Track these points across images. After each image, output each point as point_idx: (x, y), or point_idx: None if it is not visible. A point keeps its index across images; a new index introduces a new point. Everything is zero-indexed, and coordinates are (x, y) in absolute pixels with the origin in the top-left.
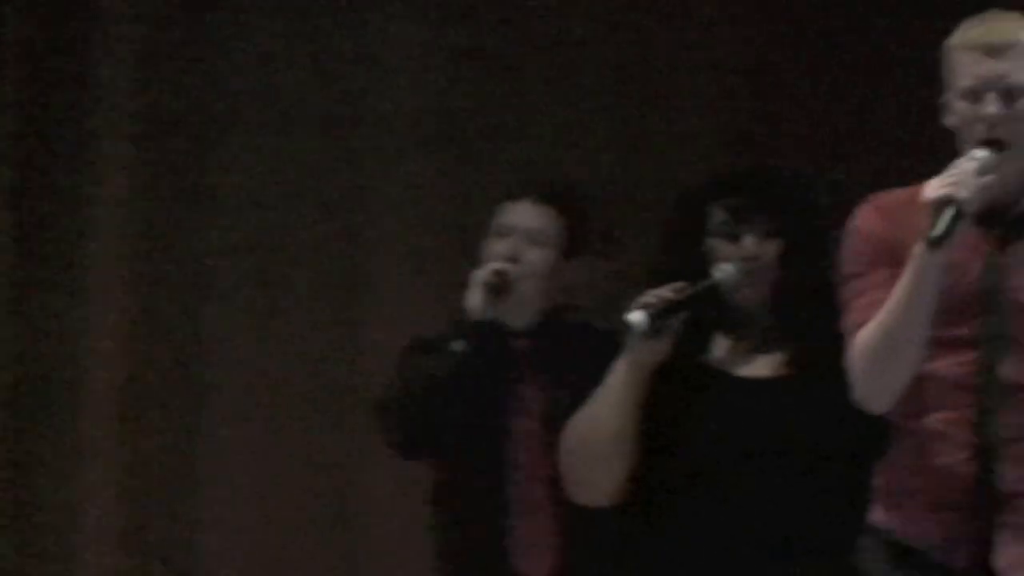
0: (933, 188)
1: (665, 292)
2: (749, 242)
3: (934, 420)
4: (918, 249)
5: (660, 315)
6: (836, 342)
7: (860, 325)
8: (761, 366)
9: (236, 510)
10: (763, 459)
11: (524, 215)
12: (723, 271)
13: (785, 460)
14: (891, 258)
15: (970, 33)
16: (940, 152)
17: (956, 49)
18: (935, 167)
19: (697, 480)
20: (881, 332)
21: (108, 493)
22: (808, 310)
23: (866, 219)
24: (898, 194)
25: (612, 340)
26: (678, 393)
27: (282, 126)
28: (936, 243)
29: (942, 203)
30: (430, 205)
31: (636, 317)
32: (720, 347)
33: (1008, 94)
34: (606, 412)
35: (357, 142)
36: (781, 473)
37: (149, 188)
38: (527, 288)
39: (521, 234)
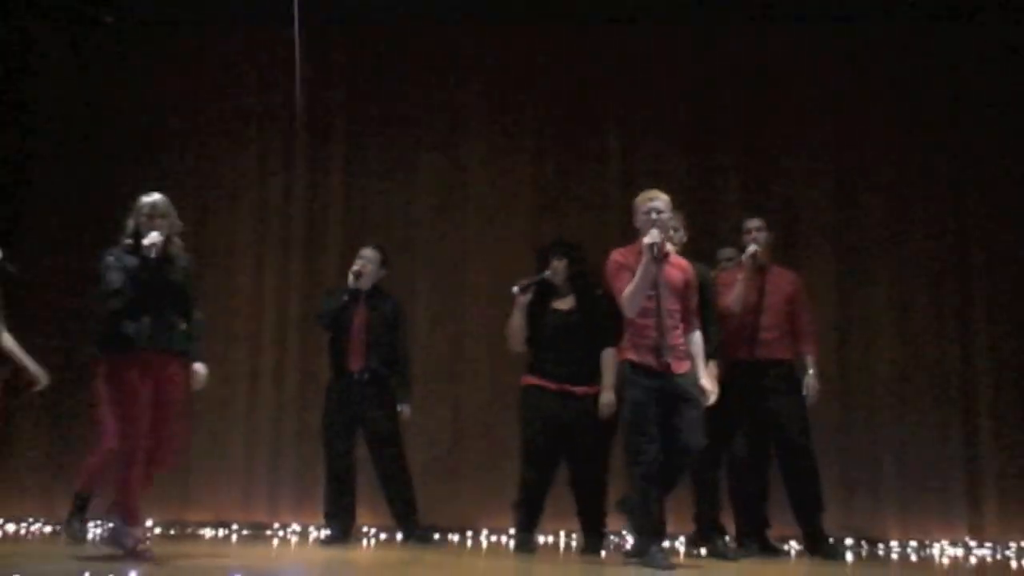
0: (649, 239)
1: (526, 280)
2: (560, 265)
3: (645, 320)
4: (646, 259)
5: (525, 289)
6: (596, 300)
7: (624, 288)
8: (565, 303)
9: None
10: (569, 327)
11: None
12: (552, 272)
13: (579, 327)
14: (630, 271)
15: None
16: None
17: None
18: None
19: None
20: (633, 289)
21: None
22: (583, 286)
23: (622, 257)
24: (625, 248)
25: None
26: (537, 313)
27: None
28: (657, 257)
29: (652, 246)
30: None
31: (515, 289)
32: (550, 298)
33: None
34: (515, 322)
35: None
36: (580, 330)
37: None
38: (368, 275)
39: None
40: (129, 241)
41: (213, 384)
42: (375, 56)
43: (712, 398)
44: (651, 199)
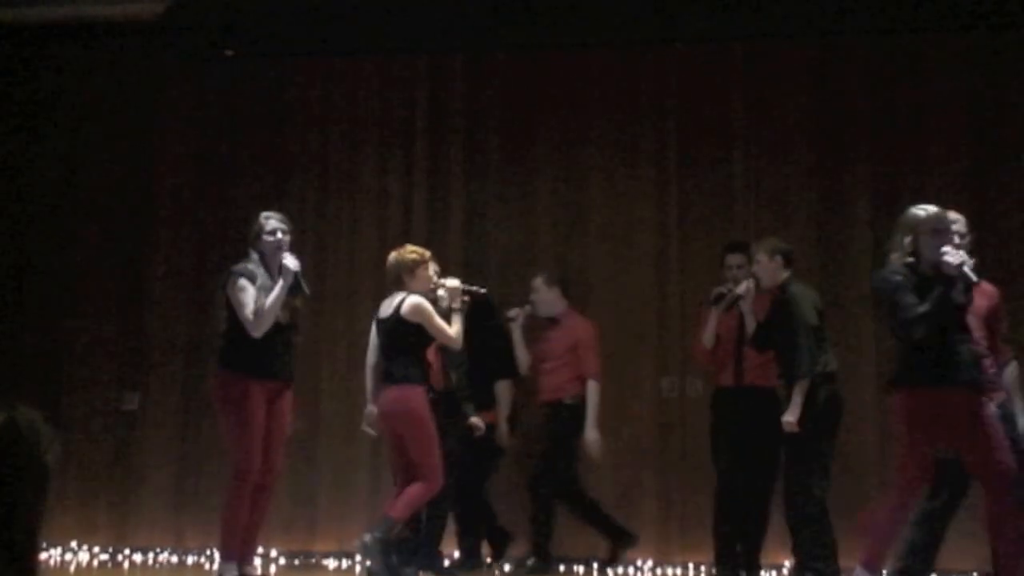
0: (956, 259)
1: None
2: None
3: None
4: (958, 285)
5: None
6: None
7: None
8: None
9: None
10: None
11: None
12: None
13: None
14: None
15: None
16: None
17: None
18: None
19: None
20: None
21: None
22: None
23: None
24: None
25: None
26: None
27: None
28: (969, 285)
29: (962, 266)
30: None
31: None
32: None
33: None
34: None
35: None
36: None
37: None
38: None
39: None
40: (911, 260)
41: (339, 416)
42: (494, 84)
43: None
44: (953, 220)
